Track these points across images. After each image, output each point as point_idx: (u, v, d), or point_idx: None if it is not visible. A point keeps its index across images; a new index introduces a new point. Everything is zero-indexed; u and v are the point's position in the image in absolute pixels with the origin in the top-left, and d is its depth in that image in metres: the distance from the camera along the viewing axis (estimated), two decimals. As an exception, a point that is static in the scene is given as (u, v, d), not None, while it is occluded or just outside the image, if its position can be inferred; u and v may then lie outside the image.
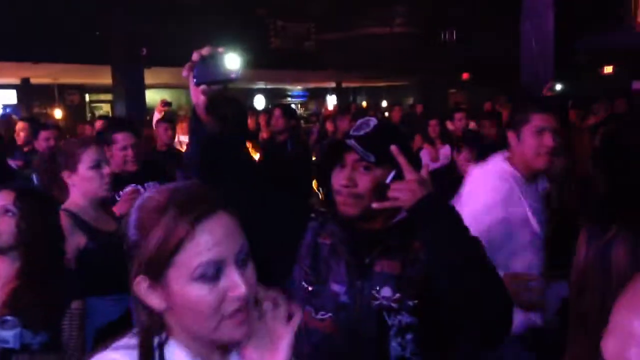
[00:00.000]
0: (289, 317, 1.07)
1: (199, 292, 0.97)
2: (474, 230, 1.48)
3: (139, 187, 3.43)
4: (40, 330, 1.93)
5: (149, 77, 11.28)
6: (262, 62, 11.47)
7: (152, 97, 12.12)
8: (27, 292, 1.95)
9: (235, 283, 0.98)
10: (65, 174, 2.67)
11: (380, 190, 1.59)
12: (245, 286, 0.99)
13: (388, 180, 1.59)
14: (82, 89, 13.68)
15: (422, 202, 1.49)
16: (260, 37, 13.84)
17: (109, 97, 12.50)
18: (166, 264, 0.97)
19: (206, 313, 0.97)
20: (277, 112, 5.14)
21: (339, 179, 1.64)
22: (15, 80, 11.87)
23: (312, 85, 20.91)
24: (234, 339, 1.01)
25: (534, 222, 2.38)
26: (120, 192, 3.38)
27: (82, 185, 2.67)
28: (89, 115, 13.28)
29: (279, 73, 15.61)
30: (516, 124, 2.41)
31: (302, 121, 9.17)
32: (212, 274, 0.97)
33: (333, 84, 19.82)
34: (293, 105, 11.56)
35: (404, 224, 1.62)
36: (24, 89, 12.00)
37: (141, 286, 1.00)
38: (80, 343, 2.01)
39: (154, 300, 1.00)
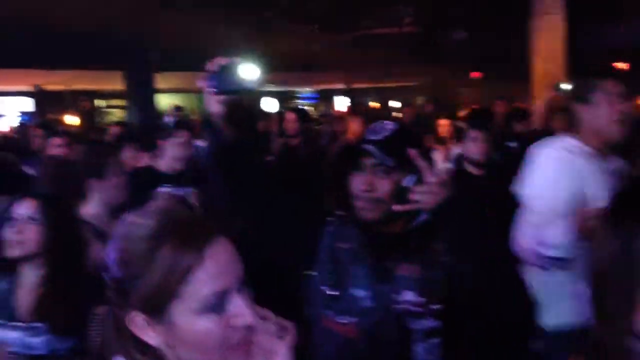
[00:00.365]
0: (282, 332, 1.02)
1: (206, 325, 0.93)
2: (542, 203, 1.44)
3: (175, 190, 3.48)
4: (67, 336, 1.96)
5: (161, 82, 11.36)
6: (270, 64, 11.50)
7: (165, 101, 12.22)
8: (53, 299, 1.99)
9: (242, 311, 0.95)
10: (90, 181, 2.71)
11: (399, 194, 1.61)
12: (251, 313, 0.96)
13: (408, 184, 1.61)
14: (93, 95, 13.80)
15: (445, 204, 1.51)
16: (269, 39, 13.88)
17: (119, 102, 12.60)
18: (170, 298, 0.92)
19: (212, 346, 0.93)
20: (290, 115, 5.17)
21: (357, 183, 1.66)
22: (29, 88, 12.03)
23: (321, 86, 20.91)
24: None
25: (605, 195, 2.26)
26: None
27: (107, 192, 2.72)
28: (98, 121, 13.37)
29: (287, 75, 15.62)
30: (586, 95, 2.33)
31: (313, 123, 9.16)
32: (218, 304, 0.93)
33: (342, 86, 19.82)
34: (304, 108, 11.59)
35: (423, 226, 1.65)
36: (38, 96, 12.15)
37: (137, 321, 0.95)
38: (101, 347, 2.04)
39: (151, 337, 0.95)
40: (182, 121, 4.43)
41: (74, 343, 1.97)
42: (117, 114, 12.24)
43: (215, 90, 1.64)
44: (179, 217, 0.98)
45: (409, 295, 1.60)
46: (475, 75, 16.84)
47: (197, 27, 11.69)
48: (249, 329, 0.96)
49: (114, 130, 5.91)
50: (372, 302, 1.63)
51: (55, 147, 5.05)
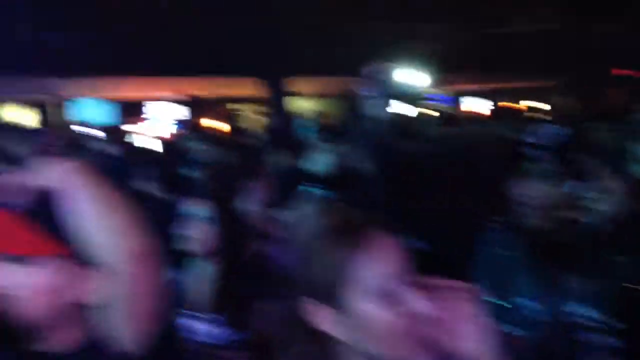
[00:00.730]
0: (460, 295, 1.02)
1: (374, 311, 0.97)
2: None
3: (321, 191, 3.61)
4: (240, 328, 2.11)
5: (299, 87, 11.76)
6: (397, 65, 11.53)
7: (303, 106, 12.64)
8: (228, 293, 2.15)
9: (412, 299, 0.98)
10: (244, 183, 2.89)
11: (567, 201, 1.57)
12: (422, 301, 0.99)
13: (577, 190, 1.56)
14: (236, 100, 14.52)
15: (627, 213, 1.45)
16: (395, 40, 13.86)
17: (260, 108, 13.13)
18: (337, 286, 0.98)
19: (382, 332, 0.97)
20: (428, 119, 5.16)
21: (522, 189, 1.64)
22: (180, 95, 13.00)
23: (454, 87, 20.48)
24: (411, 355, 0.98)
25: None
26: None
27: (259, 192, 2.89)
28: (242, 125, 13.97)
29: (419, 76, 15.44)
30: None
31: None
32: (384, 291, 0.97)
33: (473, 86, 19.27)
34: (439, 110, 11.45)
35: (596, 235, 1.58)
36: (188, 103, 13.11)
37: (309, 310, 1.00)
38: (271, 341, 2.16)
39: (324, 324, 1.00)
40: (327, 125, 4.59)
41: (246, 336, 2.11)
42: (258, 119, 12.78)
43: (375, 94, 1.69)
44: (340, 211, 1.06)
45: (579, 308, 1.54)
46: (618, 72, 15.64)
47: (334, 32, 12.00)
48: (418, 317, 0.98)
49: (259, 134, 6.20)
50: (540, 313, 1.58)
51: (203, 151, 5.40)
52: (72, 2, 10.90)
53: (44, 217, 0.93)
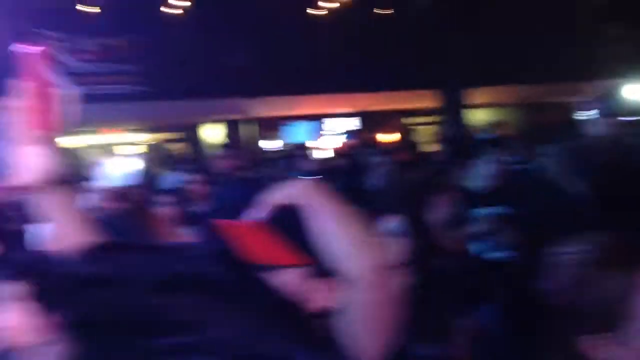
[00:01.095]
0: None
1: None
2: None
3: (490, 210, 3.50)
4: (433, 343, 2.11)
5: (477, 96, 11.54)
6: (590, 73, 10.84)
7: (480, 116, 12.40)
8: (421, 306, 2.16)
9: None
10: (434, 196, 2.89)
11: None
12: None
13: None
14: (408, 113, 14.61)
15: None
16: (585, 47, 12.97)
17: (433, 119, 13.06)
18: (620, 319, 0.94)
19: None
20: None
21: None
22: (354, 109, 13.46)
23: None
24: None
25: None
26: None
27: (448, 204, 2.87)
28: (415, 138, 13.99)
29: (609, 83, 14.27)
30: None
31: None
32: None
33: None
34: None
35: None
36: (361, 116, 13.53)
37: (597, 344, 0.96)
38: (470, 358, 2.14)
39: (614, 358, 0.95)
40: (495, 138, 4.40)
41: (440, 350, 2.10)
42: (431, 131, 12.74)
43: (603, 114, 1.63)
44: (610, 240, 1.00)
45: None
46: None
47: (508, 41, 11.60)
48: None
49: (437, 147, 6.15)
50: None
51: (377, 164, 5.48)
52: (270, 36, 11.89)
53: (288, 230, 1.02)
